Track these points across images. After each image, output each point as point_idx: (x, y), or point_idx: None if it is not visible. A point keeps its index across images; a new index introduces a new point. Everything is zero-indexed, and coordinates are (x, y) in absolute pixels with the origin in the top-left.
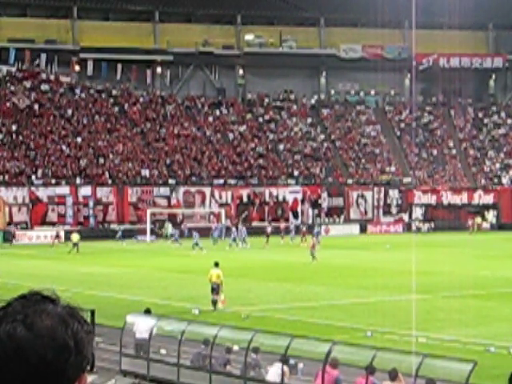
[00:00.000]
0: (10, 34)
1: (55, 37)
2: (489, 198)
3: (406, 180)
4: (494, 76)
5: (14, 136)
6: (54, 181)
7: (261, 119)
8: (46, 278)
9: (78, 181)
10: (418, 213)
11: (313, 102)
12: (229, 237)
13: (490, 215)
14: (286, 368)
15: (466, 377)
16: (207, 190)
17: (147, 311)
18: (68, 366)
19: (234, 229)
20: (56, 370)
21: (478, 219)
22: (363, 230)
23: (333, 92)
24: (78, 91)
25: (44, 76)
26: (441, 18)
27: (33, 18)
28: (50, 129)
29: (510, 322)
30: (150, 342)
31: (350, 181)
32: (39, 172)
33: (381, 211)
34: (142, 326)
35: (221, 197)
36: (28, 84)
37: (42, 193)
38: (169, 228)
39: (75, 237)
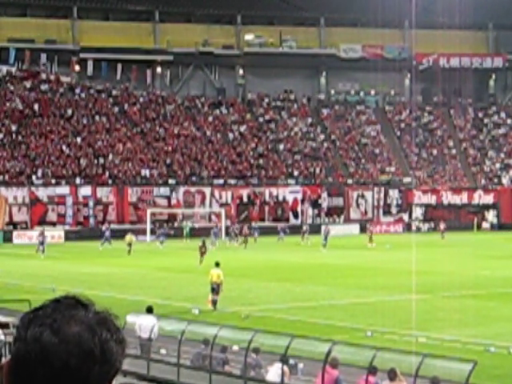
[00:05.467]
0: (10, 34)
1: (55, 37)
2: (489, 198)
3: (406, 180)
4: (494, 76)
5: (13, 136)
6: (53, 181)
7: (261, 119)
8: (45, 278)
9: (77, 181)
10: (418, 213)
11: (313, 101)
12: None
13: (490, 215)
14: (286, 368)
15: (466, 377)
16: (207, 190)
17: (149, 310)
18: (92, 374)
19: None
20: (79, 377)
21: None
22: (363, 229)
23: (333, 92)
24: (77, 91)
25: (44, 76)
26: (441, 17)
27: (33, 18)
28: (50, 129)
29: (510, 322)
30: (152, 342)
31: (350, 181)
32: (39, 172)
33: (381, 211)
34: (145, 325)
35: (221, 197)
36: (28, 84)
37: (42, 193)
38: (187, 227)
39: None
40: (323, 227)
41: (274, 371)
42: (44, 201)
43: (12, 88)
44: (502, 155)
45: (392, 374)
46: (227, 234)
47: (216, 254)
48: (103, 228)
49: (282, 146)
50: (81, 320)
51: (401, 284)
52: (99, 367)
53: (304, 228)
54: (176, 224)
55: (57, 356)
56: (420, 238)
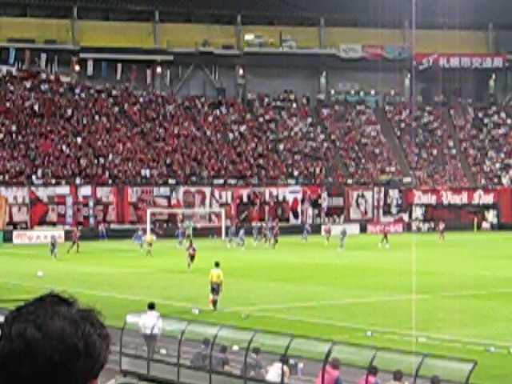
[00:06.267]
0: (10, 34)
1: (55, 37)
2: (489, 198)
3: (406, 180)
4: (493, 76)
5: (13, 136)
6: (53, 181)
7: (261, 119)
8: (45, 278)
9: (77, 181)
10: (418, 213)
11: (313, 101)
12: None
13: (490, 215)
14: (286, 368)
15: (466, 377)
16: (207, 190)
17: (151, 306)
18: (76, 368)
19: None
20: (63, 372)
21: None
22: (363, 229)
23: (333, 92)
24: (77, 91)
25: (44, 76)
26: (441, 18)
27: (33, 18)
28: (50, 129)
29: (510, 322)
30: (157, 338)
31: (350, 181)
32: (39, 172)
33: (381, 211)
34: (148, 322)
35: (221, 197)
36: (28, 84)
37: (42, 193)
38: (190, 227)
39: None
40: (324, 227)
41: (274, 371)
42: (44, 201)
43: (12, 88)
44: (502, 155)
45: (398, 375)
46: (248, 233)
47: (217, 254)
48: (100, 227)
49: (282, 146)
50: (64, 315)
51: (401, 284)
52: (83, 361)
53: (326, 228)
54: (179, 224)
55: (41, 351)
56: (420, 237)
